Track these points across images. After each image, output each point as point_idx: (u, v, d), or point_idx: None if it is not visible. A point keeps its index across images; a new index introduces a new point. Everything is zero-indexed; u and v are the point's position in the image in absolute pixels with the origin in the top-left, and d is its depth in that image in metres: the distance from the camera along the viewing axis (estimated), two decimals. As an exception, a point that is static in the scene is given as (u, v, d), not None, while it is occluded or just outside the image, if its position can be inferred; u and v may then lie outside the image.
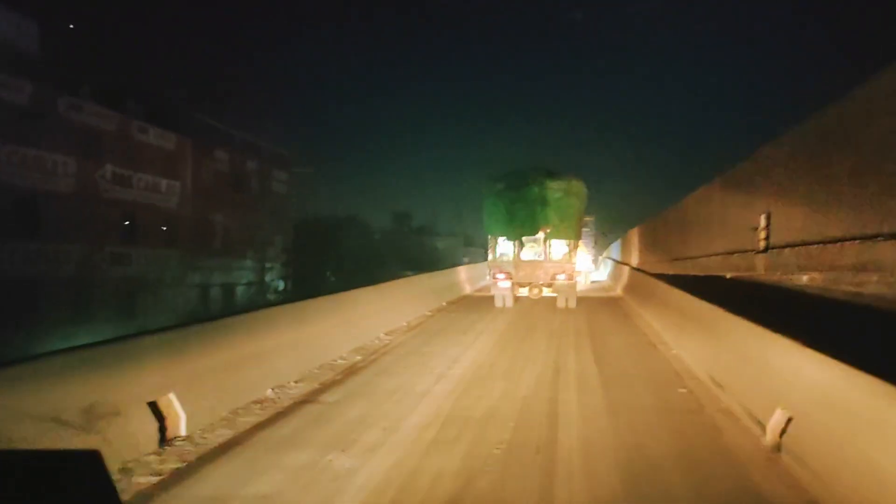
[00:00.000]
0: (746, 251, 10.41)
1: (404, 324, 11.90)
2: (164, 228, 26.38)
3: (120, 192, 23.95)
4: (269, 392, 6.40)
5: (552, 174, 15.42)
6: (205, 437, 4.99)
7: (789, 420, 4.57)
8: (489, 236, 16.41)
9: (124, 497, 3.72)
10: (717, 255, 12.94)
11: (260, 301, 29.91)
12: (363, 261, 41.92)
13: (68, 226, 21.15)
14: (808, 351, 4.55)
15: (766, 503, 3.88)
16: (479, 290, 20.48)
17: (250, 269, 32.40)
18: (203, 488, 4.04)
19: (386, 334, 10.51)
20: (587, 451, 4.75)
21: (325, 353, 8.10)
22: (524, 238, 15.63)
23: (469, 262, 29.49)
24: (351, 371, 7.78)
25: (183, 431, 4.94)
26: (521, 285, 15.80)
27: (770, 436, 4.76)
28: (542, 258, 15.55)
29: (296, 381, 6.92)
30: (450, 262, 37.66)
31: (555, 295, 15.60)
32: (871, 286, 7.15)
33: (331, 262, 40.78)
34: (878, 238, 6.89)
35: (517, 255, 15.67)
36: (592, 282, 25.25)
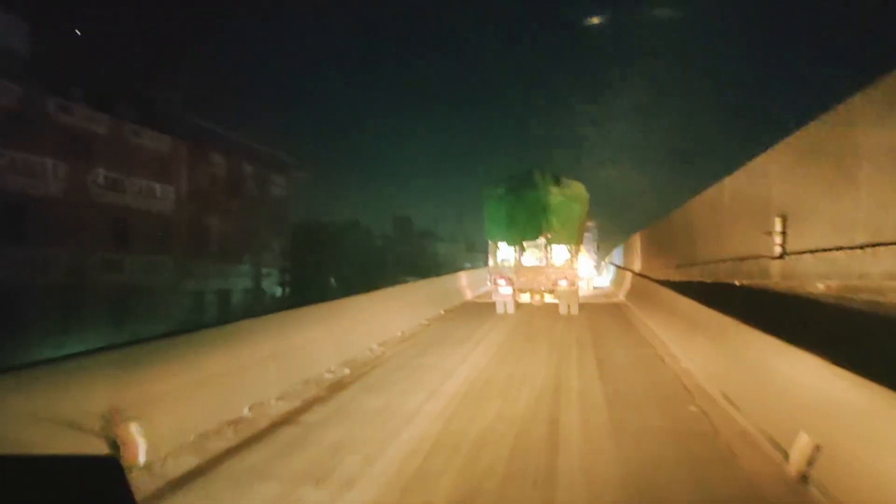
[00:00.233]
0: (760, 257, 9.87)
1: (399, 333, 11.39)
2: (158, 234, 25.79)
3: (112, 197, 23.43)
4: (245, 411, 5.92)
5: (553, 178, 15.00)
6: (165, 467, 4.50)
7: (817, 448, 4.09)
8: (490, 241, 16.01)
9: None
10: (725, 261, 12.41)
11: (257, 308, 29.34)
12: (364, 266, 41.46)
13: (58, 231, 20.65)
14: (841, 371, 4.06)
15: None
16: (480, 297, 20.02)
17: (247, 275, 31.73)
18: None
19: (379, 345, 10.00)
20: (590, 484, 4.25)
21: (311, 366, 7.61)
22: (525, 243, 15.22)
23: (471, 268, 29.02)
24: (337, 387, 7.28)
25: (142, 460, 4.44)
26: (523, 291, 15.37)
27: (794, 465, 4.31)
28: (543, 263, 15.15)
29: (277, 399, 6.45)
30: (451, 268, 37.17)
31: (557, 301, 15.17)
32: (892, 294, 6.61)
33: (331, 268, 40.25)
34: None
35: (518, 261, 15.27)
36: (595, 288, 24.95)
